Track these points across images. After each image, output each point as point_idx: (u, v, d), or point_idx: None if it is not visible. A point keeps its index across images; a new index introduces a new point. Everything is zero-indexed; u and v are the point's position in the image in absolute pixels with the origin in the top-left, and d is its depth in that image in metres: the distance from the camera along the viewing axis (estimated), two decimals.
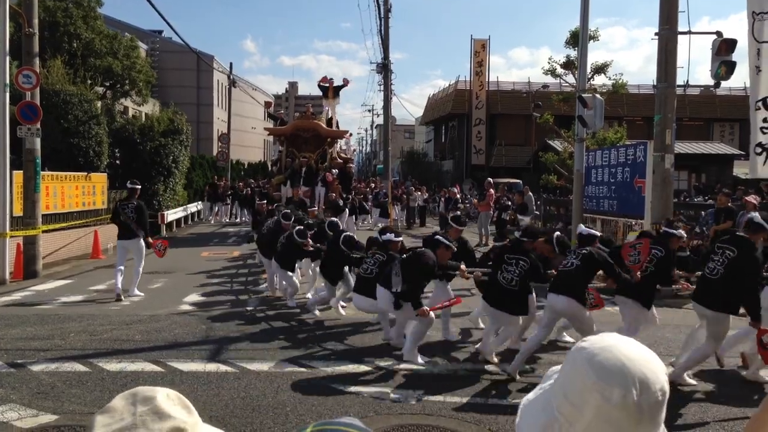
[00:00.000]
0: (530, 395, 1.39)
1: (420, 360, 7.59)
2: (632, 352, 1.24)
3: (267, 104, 36.86)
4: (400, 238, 8.82)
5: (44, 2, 25.32)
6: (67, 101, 18.76)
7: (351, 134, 31.54)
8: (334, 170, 23.61)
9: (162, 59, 49.97)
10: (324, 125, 24.78)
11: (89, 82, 21.58)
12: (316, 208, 17.39)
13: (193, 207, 29.63)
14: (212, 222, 29.65)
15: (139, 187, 12.33)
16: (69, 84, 19.52)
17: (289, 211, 13.10)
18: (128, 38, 31.07)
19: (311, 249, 10.93)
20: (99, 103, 24.02)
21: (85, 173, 18.59)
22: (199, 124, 50.64)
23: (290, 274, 11.13)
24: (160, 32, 51.25)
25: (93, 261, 16.69)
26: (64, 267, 15.53)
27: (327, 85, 26.35)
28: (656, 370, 1.23)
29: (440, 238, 8.07)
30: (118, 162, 23.42)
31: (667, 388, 1.22)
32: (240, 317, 10.02)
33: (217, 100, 55.19)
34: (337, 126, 26.46)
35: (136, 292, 11.83)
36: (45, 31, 24.35)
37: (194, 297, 11.68)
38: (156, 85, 37.47)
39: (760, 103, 12.15)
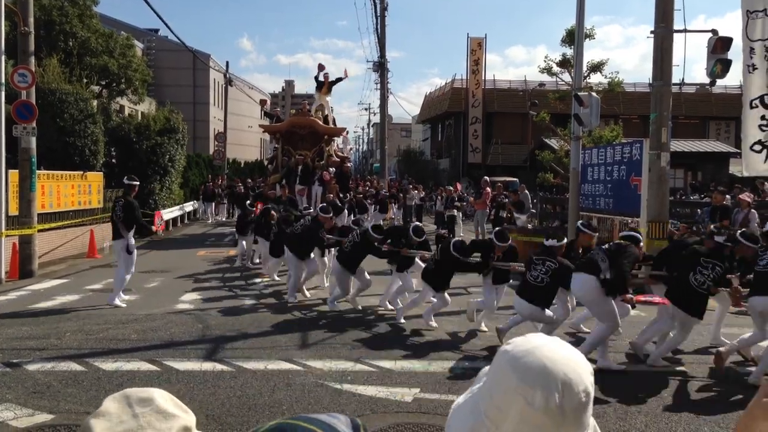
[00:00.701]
0: (460, 398, 1.38)
1: (614, 366, 7.48)
2: (555, 353, 1.22)
3: (262, 102, 35.05)
4: (564, 242, 8.40)
5: (40, 1, 25.25)
6: (62, 100, 18.74)
7: (348, 132, 30.02)
8: (331, 169, 23.07)
9: (158, 58, 49.88)
10: (321, 122, 23.95)
11: (85, 80, 21.53)
12: (312, 209, 16.82)
13: (189, 206, 29.62)
14: (209, 221, 29.62)
15: (136, 183, 11.09)
16: (65, 83, 19.50)
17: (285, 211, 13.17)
18: (124, 37, 31.04)
19: (385, 249, 10.55)
20: (95, 102, 23.99)
21: (81, 172, 18.57)
22: (196, 122, 50.52)
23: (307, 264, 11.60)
24: (157, 31, 51.14)
25: (89, 260, 16.68)
26: (60, 266, 15.51)
27: (323, 80, 25.38)
28: (580, 372, 1.22)
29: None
30: (114, 161, 23.42)
31: (591, 389, 1.21)
32: (236, 315, 10.02)
33: (214, 98, 55.10)
34: (334, 123, 26.07)
35: (117, 302, 10.60)
36: (41, 30, 24.30)
37: (190, 296, 11.68)
38: (152, 84, 37.42)
39: (756, 101, 12.20)
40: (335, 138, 27.17)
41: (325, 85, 25.30)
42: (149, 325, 9.30)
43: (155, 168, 23.24)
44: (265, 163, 38.42)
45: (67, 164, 18.51)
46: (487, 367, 1.35)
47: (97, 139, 19.95)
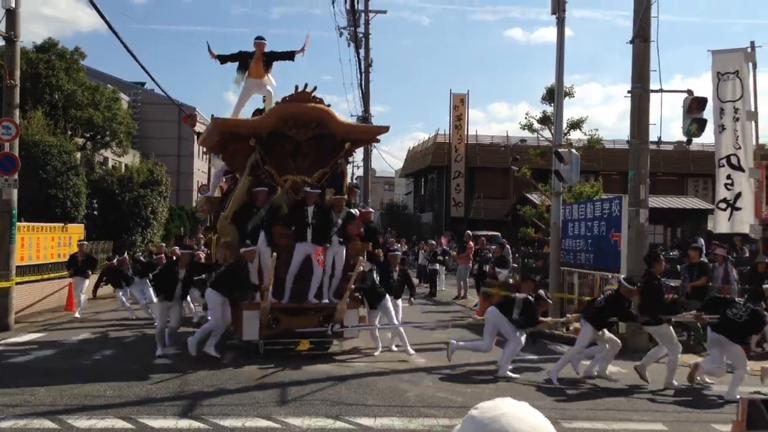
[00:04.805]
0: None
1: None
2: (521, 422, 1.23)
3: (187, 119, 17.64)
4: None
5: (27, 54, 25.47)
6: (46, 152, 18.78)
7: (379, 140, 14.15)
8: (354, 211, 12.33)
9: (144, 110, 50.19)
10: (336, 117, 11.96)
11: (69, 133, 21.63)
12: (328, 294, 11.34)
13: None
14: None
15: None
16: (49, 135, 19.57)
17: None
18: (110, 90, 31.30)
19: None
20: (78, 154, 24.03)
21: (62, 224, 18.46)
22: (179, 174, 50.56)
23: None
24: (143, 84, 51.58)
25: (67, 313, 16.41)
26: (37, 320, 15.26)
27: (255, 51, 12.77)
28: None
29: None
30: (95, 213, 23.32)
31: None
32: (214, 370, 9.85)
33: (198, 151, 55.32)
34: None
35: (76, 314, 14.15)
36: (27, 83, 24.43)
37: (168, 350, 11.49)
38: (137, 136, 37.61)
39: (723, 161, 12.63)
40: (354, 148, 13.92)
41: (257, 56, 12.82)
42: (125, 380, 9.14)
43: (137, 220, 23.17)
44: (196, 204, 27.57)
45: (48, 216, 18.41)
46: (458, 426, 1.34)
47: (79, 191, 19.93)
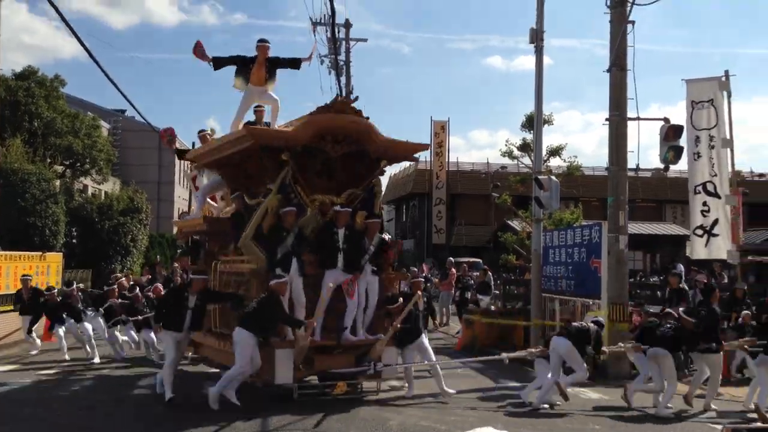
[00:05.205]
0: None
1: None
2: None
3: (165, 134, 16.71)
4: None
5: (6, 81, 25.37)
6: (25, 180, 18.65)
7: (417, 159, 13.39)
8: (386, 235, 11.20)
9: (124, 138, 50.03)
10: (378, 132, 10.62)
11: (48, 161, 21.51)
12: (362, 332, 10.15)
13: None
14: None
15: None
16: (28, 163, 19.46)
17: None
18: (90, 117, 31.19)
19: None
20: (57, 182, 23.87)
21: (40, 253, 18.25)
22: (160, 202, 50.33)
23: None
24: (123, 111, 51.48)
25: (44, 344, 16.12)
26: (13, 350, 15.00)
27: (258, 55, 11.28)
28: None
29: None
30: (74, 241, 23.11)
31: None
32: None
33: (179, 178, 55.14)
34: None
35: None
36: (6, 110, 24.33)
37: (147, 381, 11.32)
38: (117, 163, 37.41)
39: (699, 188, 12.88)
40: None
41: (260, 62, 11.27)
42: (103, 410, 9.00)
43: (117, 248, 22.99)
44: (176, 218, 24.99)
45: (26, 244, 18.21)
46: None
47: (58, 219, 19.78)
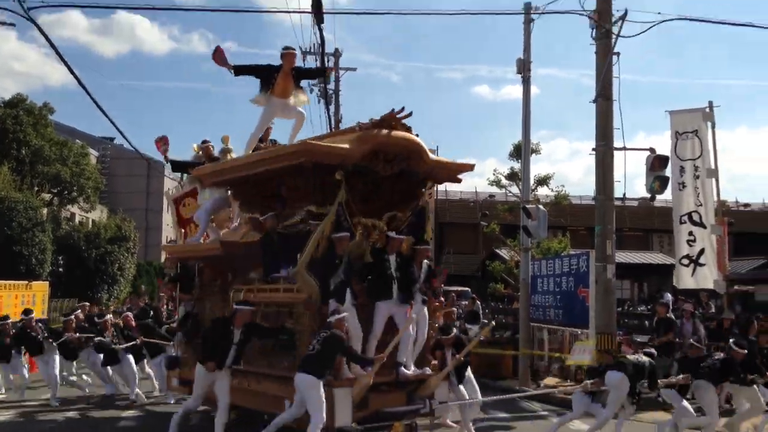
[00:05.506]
0: None
1: None
2: None
3: (173, 163, 13.06)
4: None
5: None
6: (11, 208, 18.57)
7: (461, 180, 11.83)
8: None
9: (112, 165, 49.96)
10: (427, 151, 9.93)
11: (36, 188, 21.43)
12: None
13: None
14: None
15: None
16: (15, 191, 19.37)
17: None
18: (79, 145, 31.17)
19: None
20: (45, 210, 23.76)
21: (26, 282, 18.10)
22: (148, 230, 50.11)
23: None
24: (112, 139, 51.47)
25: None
26: None
27: (283, 64, 10.00)
28: None
29: None
30: (61, 270, 22.93)
31: None
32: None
33: (167, 206, 55.00)
34: None
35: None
36: None
37: (131, 413, 11.19)
38: (105, 191, 37.30)
39: (685, 218, 13.02)
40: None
41: (285, 72, 9.98)
42: None
43: (104, 277, 22.83)
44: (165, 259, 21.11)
45: (12, 273, 18.05)
46: None
47: (44, 247, 19.65)
